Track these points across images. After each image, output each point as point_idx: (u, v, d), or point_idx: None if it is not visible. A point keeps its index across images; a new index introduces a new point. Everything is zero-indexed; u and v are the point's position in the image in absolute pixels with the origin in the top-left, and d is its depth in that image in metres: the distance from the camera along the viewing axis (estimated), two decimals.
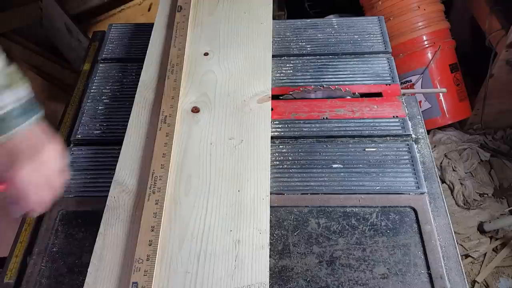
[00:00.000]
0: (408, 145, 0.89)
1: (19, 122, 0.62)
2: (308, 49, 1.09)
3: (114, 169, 0.84)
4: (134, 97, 0.95)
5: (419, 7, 1.81)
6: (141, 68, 1.00)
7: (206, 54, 1.02)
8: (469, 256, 1.67)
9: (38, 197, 0.66)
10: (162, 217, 0.76)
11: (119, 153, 0.86)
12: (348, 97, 0.99)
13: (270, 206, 0.78)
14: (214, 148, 0.85)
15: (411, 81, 1.87)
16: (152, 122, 0.90)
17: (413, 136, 0.93)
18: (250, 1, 1.13)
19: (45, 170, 0.66)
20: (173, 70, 0.96)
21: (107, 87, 1.04)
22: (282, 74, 1.04)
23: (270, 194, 0.80)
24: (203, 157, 0.84)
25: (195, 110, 0.92)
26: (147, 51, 1.03)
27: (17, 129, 0.62)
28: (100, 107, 1.00)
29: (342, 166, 0.87)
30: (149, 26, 1.11)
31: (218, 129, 0.88)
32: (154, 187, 0.79)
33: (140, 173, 0.83)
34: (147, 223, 0.75)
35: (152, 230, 0.74)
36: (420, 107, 1.01)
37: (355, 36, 1.11)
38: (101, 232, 0.76)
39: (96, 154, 0.92)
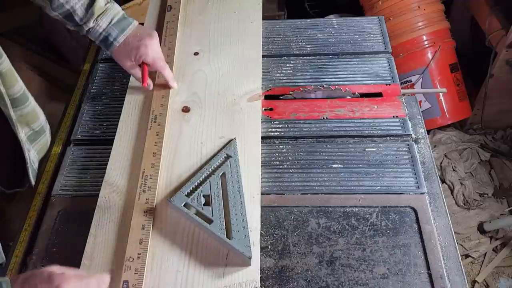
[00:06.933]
0: (408, 145, 0.89)
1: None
2: (308, 49, 1.09)
3: None
4: None
5: (419, 7, 1.80)
6: None
7: (196, 53, 1.02)
8: (469, 256, 1.66)
9: None
10: (153, 216, 0.76)
11: None
12: (348, 97, 0.99)
13: (270, 206, 0.78)
14: (204, 147, 0.85)
15: (411, 81, 1.87)
16: (142, 121, 0.90)
17: (413, 136, 0.93)
18: (240, 0, 1.13)
19: None
20: None
21: (107, 87, 1.04)
22: (282, 74, 1.04)
23: (270, 194, 0.80)
24: (194, 156, 0.84)
25: (186, 109, 0.92)
26: None
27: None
28: (100, 107, 1.00)
29: (342, 166, 0.87)
30: None
31: (209, 128, 0.89)
32: (144, 186, 0.79)
33: (130, 173, 0.83)
34: (137, 222, 0.75)
35: (143, 229, 0.74)
36: (420, 107, 1.01)
37: (355, 36, 1.11)
38: (91, 233, 0.76)
39: (96, 154, 0.91)
